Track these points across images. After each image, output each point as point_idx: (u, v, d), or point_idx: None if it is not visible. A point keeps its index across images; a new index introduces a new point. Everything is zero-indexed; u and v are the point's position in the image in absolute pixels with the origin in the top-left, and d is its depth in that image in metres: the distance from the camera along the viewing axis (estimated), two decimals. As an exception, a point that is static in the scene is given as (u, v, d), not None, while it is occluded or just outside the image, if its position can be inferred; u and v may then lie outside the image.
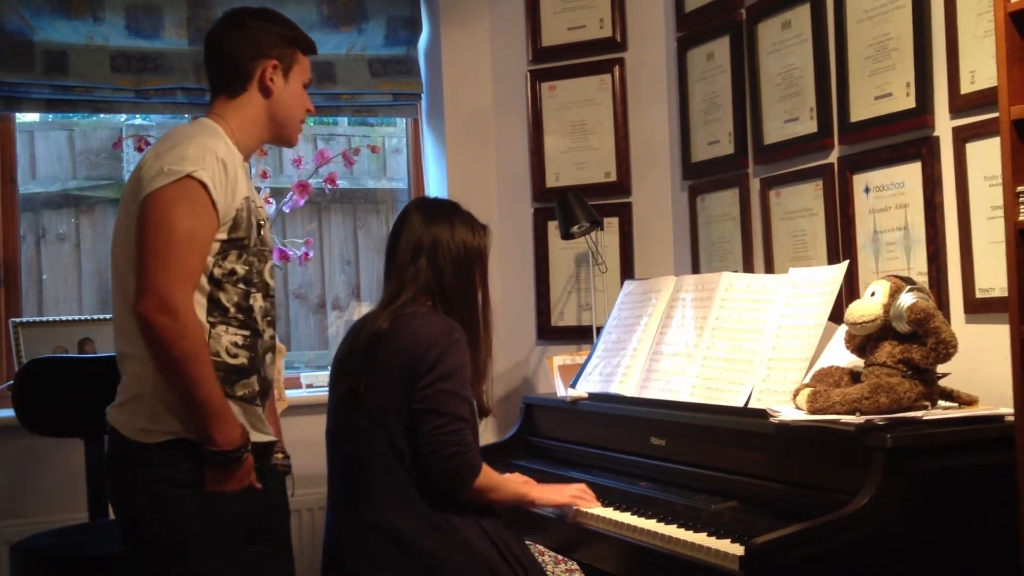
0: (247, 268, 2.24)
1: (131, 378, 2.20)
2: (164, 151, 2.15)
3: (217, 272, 2.18)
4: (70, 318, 3.71)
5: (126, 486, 2.20)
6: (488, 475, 2.36)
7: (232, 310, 2.21)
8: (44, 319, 3.72)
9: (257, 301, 2.27)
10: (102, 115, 3.97)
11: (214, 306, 2.19)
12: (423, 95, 4.19)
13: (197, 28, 3.82)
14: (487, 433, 3.65)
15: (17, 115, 3.80)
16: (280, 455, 2.50)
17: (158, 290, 2.06)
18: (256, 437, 2.25)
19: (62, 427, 3.22)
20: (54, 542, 2.98)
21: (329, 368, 4.01)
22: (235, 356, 2.21)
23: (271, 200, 3.84)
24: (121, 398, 2.22)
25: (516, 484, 2.51)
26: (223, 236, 2.18)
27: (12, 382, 3.21)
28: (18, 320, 3.63)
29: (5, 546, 3.29)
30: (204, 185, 2.12)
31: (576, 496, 2.61)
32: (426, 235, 2.43)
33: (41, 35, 3.67)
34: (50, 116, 3.94)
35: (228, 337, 2.21)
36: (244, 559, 2.24)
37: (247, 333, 2.24)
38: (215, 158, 2.15)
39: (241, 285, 2.23)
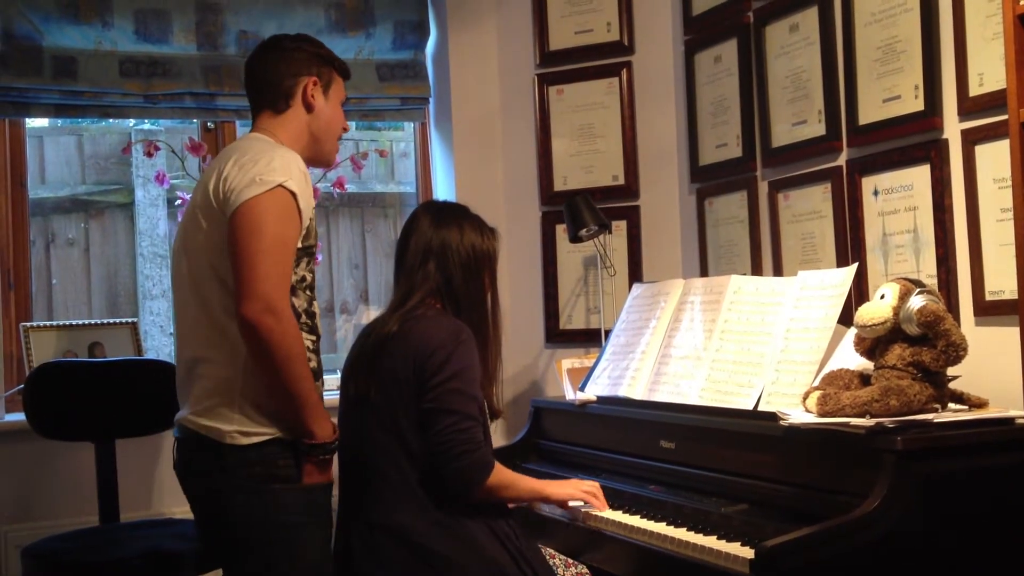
0: (311, 274, 2.33)
1: (214, 383, 2.25)
2: (248, 163, 2.22)
3: (293, 279, 2.25)
4: (80, 322, 3.72)
5: (219, 489, 2.25)
6: (501, 473, 2.36)
7: (303, 316, 2.29)
8: (54, 323, 3.73)
9: (315, 307, 2.35)
10: (111, 120, 3.99)
11: (292, 312, 2.24)
12: (431, 99, 4.20)
13: (205, 33, 3.84)
14: (496, 436, 3.65)
15: (27, 120, 3.82)
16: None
17: (262, 293, 2.12)
18: None
19: (72, 431, 3.23)
20: (65, 546, 2.99)
21: (338, 372, 4.05)
22: (310, 360, 2.28)
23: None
24: (205, 404, 2.26)
25: (530, 481, 2.52)
26: (299, 244, 2.25)
27: (23, 386, 3.22)
28: (28, 324, 3.64)
29: (16, 550, 3.30)
30: (294, 194, 2.20)
31: (588, 492, 2.60)
32: (435, 238, 2.44)
33: (50, 40, 3.69)
34: (59, 121, 3.95)
35: (307, 340, 2.28)
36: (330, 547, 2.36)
37: (314, 338, 2.33)
38: (299, 169, 2.24)
39: (308, 291, 2.32)
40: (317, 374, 2.31)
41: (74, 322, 3.74)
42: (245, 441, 2.22)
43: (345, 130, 2.51)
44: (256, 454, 2.22)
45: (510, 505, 2.48)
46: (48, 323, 3.73)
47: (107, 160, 4.07)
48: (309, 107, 2.42)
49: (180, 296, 2.36)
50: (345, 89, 2.53)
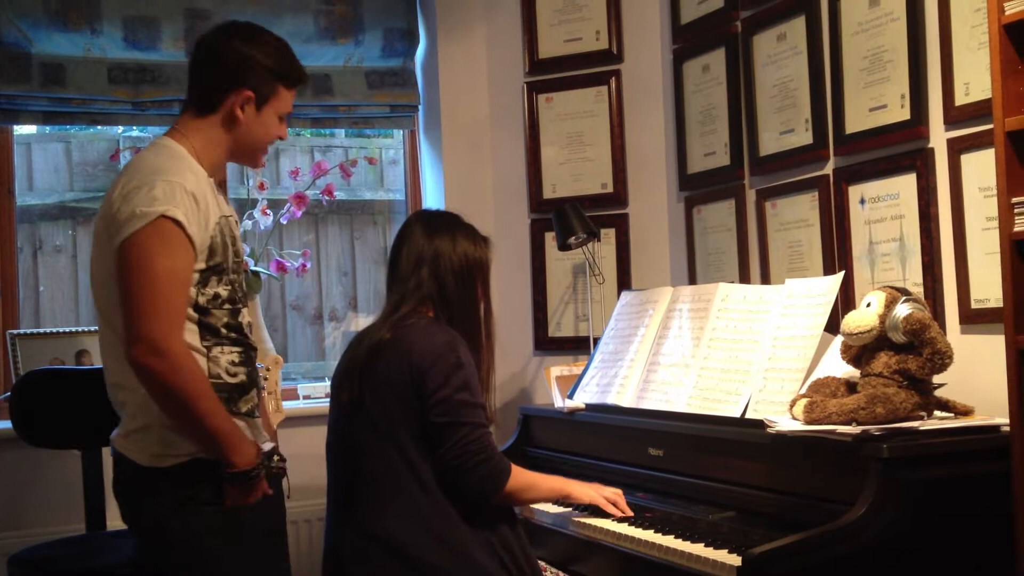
0: (230, 288, 2.25)
1: (133, 408, 2.21)
2: (132, 191, 2.13)
3: (201, 300, 2.19)
4: (67, 330, 3.71)
5: (143, 510, 2.22)
6: (519, 476, 2.36)
7: (224, 331, 2.23)
8: (41, 331, 3.72)
9: (244, 317, 2.30)
10: (99, 127, 3.98)
11: (206, 331, 2.20)
12: (420, 107, 4.20)
13: (194, 40, 3.82)
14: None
15: (15, 127, 3.81)
16: (276, 457, 2.51)
17: (148, 336, 2.06)
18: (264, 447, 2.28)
19: (59, 439, 3.22)
20: (52, 554, 2.98)
21: (326, 379, 4.05)
22: (235, 375, 2.23)
23: (268, 212, 3.85)
24: (128, 427, 2.23)
25: (552, 480, 2.51)
26: (201, 266, 2.19)
27: (9, 394, 3.21)
28: (15, 332, 3.63)
29: (3, 558, 3.28)
30: (178, 223, 2.11)
31: (611, 499, 2.56)
32: (428, 247, 2.44)
33: (39, 47, 3.68)
34: (47, 128, 3.94)
35: (226, 357, 2.22)
36: (268, 566, 2.28)
37: (240, 349, 2.26)
38: (184, 192, 2.13)
39: (227, 305, 2.24)
40: (247, 387, 2.25)
41: (61, 330, 3.73)
42: (163, 464, 2.16)
43: (281, 138, 2.39)
44: (176, 475, 2.16)
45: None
46: (35, 331, 3.71)
47: (95, 167, 4.07)
48: (233, 121, 2.28)
49: (98, 319, 2.30)
50: (296, 95, 2.39)
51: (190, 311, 2.17)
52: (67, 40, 3.70)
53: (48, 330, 3.73)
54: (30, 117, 3.74)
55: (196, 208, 2.15)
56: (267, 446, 2.29)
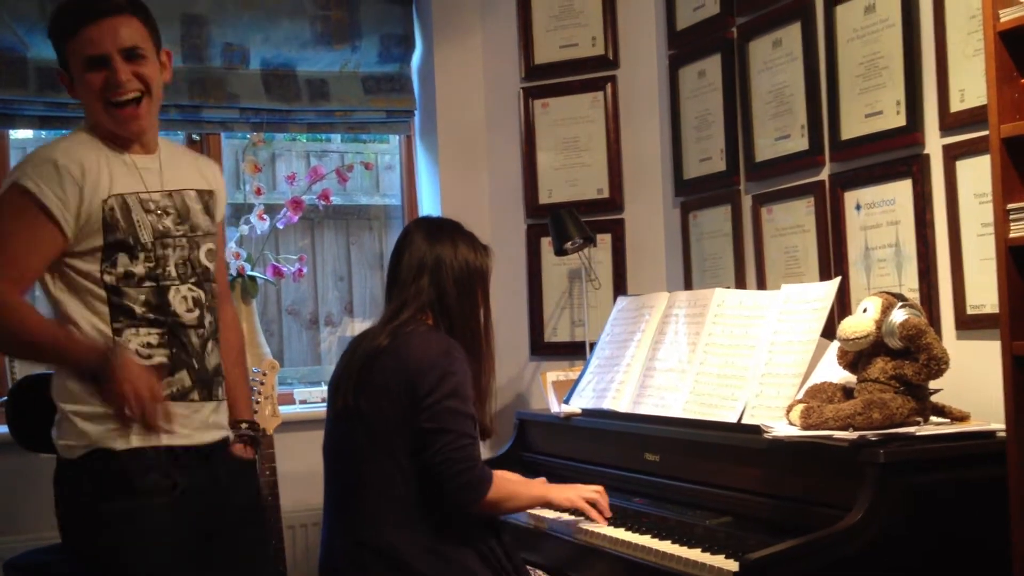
0: (151, 265, 2.20)
1: (54, 392, 2.20)
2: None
3: (109, 278, 2.16)
4: (63, 334, 3.70)
5: (57, 506, 2.21)
6: (499, 486, 2.35)
7: (141, 310, 2.18)
8: (37, 335, 3.70)
9: (180, 293, 2.23)
10: (96, 132, 3.97)
11: (118, 312, 2.16)
12: (416, 112, 4.21)
13: (191, 46, 3.84)
14: (481, 449, 3.65)
15: (10, 132, 3.80)
16: (244, 425, 2.46)
17: None
18: (197, 438, 2.22)
19: (54, 443, 3.20)
20: (48, 559, 2.97)
21: (322, 384, 4.05)
22: (149, 356, 2.17)
23: (265, 217, 3.85)
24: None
25: (532, 489, 2.51)
26: (98, 242, 2.15)
27: (5, 399, 3.20)
28: (11, 337, 3.62)
29: (-2, 563, 3.28)
30: (27, 191, 2.11)
31: (591, 499, 2.56)
32: (429, 254, 2.44)
33: (35, 52, 3.68)
34: (43, 132, 3.94)
35: (138, 339, 2.17)
36: (191, 564, 2.20)
37: (161, 331, 2.20)
38: (51, 165, 2.12)
39: (148, 283, 2.19)
40: (170, 369, 2.18)
41: (57, 334, 3.72)
42: (71, 455, 2.14)
43: (109, 84, 2.17)
44: (80, 469, 2.14)
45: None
46: (31, 335, 3.70)
47: (91, 172, 4.06)
48: (75, 95, 2.24)
49: None
50: (92, 33, 2.17)
51: (96, 289, 2.15)
52: (63, 45, 3.69)
53: (44, 335, 3.72)
54: (26, 122, 3.74)
55: (58, 179, 2.12)
56: (207, 438, 2.25)
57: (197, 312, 2.26)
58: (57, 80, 2.30)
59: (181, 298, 2.23)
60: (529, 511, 2.73)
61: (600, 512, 2.56)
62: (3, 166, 3.76)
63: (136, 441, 2.14)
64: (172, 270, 2.23)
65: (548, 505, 2.56)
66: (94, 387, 2.07)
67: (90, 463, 2.13)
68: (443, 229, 2.52)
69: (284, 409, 3.67)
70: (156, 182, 2.26)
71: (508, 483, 2.43)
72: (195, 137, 3.97)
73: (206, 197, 2.36)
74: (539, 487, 2.55)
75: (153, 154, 2.29)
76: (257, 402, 3.22)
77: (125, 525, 2.13)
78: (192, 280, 2.27)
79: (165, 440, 2.16)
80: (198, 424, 2.24)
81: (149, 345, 2.19)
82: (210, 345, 2.29)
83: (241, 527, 2.34)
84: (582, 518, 2.61)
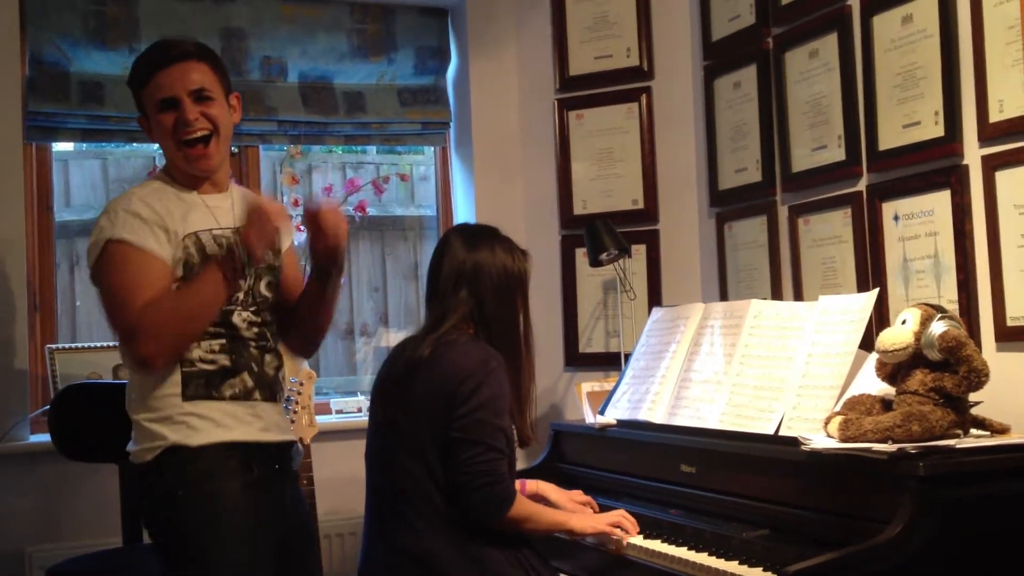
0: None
1: (128, 406, 2.35)
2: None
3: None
4: (104, 344, 3.75)
5: (145, 509, 2.34)
6: (522, 505, 2.36)
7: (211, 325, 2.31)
8: (79, 345, 3.77)
9: (241, 316, 2.36)
10: (136, 144, 4.03)
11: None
12: (451, 124, 4.23)
13: (230, 60, 3.87)
14: (517, 460, 3.66)
15: (53, 144, 3.86)
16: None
17: (122, 327, 2.23)
18: (265, 436, 2.35)
19: (96, 452, 3.24)
20: (89, 567, 3.01)
21: (358, 394, 4.08)
22: (212, 361, 2.30)
23: (302, 228, 3.87)
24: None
25: (555, 515, 2.51)
26: (179, 274, 2.29)
27: (48, 407, 3.25)
28: (53, 346, 3.68)
29: (40, 571, 3.33)
30: (124, 241, 2.25)
31: (615, 523, 2.57)
32: (468, 261, 2.45)
33: (77, 66, 3.74)
34: (84, 145, 4.00)
35: (203, 346, 2.30)
36: (265, 549, 2.30)
37: (223, 341, 2.32)
38: (131, 215, 2.27)
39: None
40: (232, 371, 2.31)
41: (98, 344, 3.77)
42: (147, 458, 2.27)
43: (184, 123, 2.34)
44: (157, 468, 2.26)
45: None
46: (73, 345, 3.76)
47: (131, 183, 4.11)
48: (148, 136, 2.43)
49: None
50: (163, 79, 2.34)
51: None
52: (105, 59, 3.76)
53: (85, 344, 3.78)
54: (69, 135, 3.80)
55: (144, 225, 2.27)
56: (273, 438, 2.37)
57: (256, 330, 2.39)
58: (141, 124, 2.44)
59: (242, 319, 2.36)
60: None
61: (626, 531, 2.56)
62: (46, 178, 3.82)
63: (208, 438, 2.26)
64: (238, 295, 2.35)
65: (570, 532, 2.54)
66: (238, 270, 2.28)
67: (166, 459, 2.25)
68: (481, 235, 2.53)
69: (321, 419, 3.71)
70: (228, 219, 2.39)
71: (530, 504, 2.43)
72: (234, 150, 4.01)
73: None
74: (562, 513, 2.55)
75: (224, 192, 2.44)
76: (295, 412, 3.25)
77: (206, 507, 2.24)
78: (252, 308, 2.39)
79: (237, 436, 2.29)
80: (264, 424, 2.36)
81: (212, 351, 2.30)
82: (268, 357, 2.41)
83: (305, 543, 2.46)
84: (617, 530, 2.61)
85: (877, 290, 2.62)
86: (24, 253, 3.60)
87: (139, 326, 2.19)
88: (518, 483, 2.63)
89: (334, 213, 2.39)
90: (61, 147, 3.97)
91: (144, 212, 2.28)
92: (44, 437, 3.34)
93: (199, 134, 2.34)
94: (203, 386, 2.27)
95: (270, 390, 2.39)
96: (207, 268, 2.27)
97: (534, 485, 2.78)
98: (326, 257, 2.42)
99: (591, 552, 2.68)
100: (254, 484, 2.29)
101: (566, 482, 3.23)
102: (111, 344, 3.80)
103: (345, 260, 2.42)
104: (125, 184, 4.10)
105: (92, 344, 3.78)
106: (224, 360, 2.31)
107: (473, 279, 2.44)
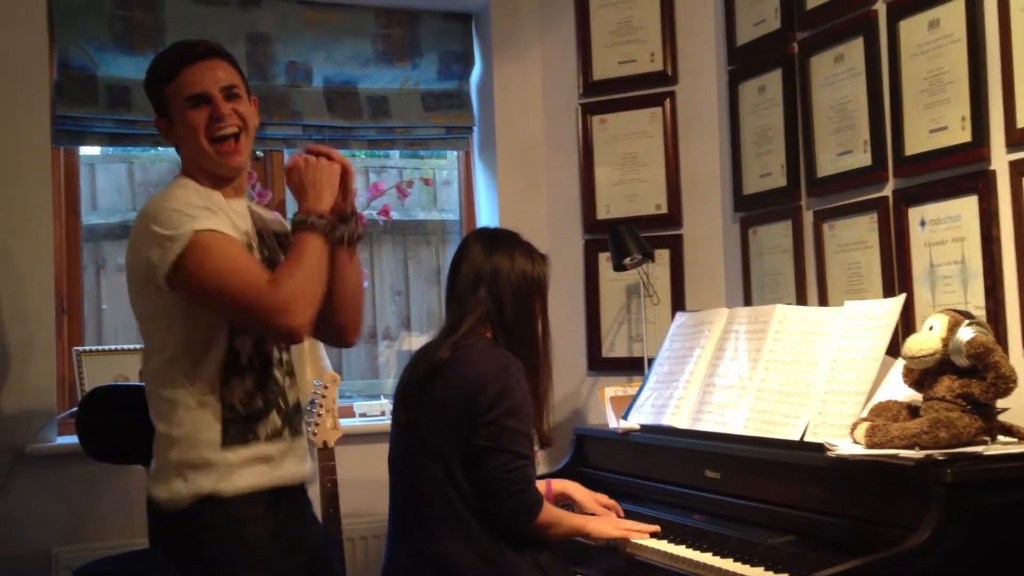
0: None
1: (156, 446, 2.29)
2: (142, 235, 2.23)
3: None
4: (131, 347, 3.78)
5: (171, 550, 2.27)
6: (548, 511, 2.37)
7: (246, 357, 2.25)
8: (106, 348, 3.79)
9: (270, 344, 2.31)
10: (162, 148, 4.06)
11: (232, 355, 2.23)
12: (475, 128, 4.24)
13: (256, 64, 3.91)
14: (539, 464, 3.66)
15: (80, 148, 3.89)
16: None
17: (264, 306, 2.12)
18: (296, 474, 2.32)
19: (123, 454, 3.25)
20: (115, 568, 3.03)
21: (381, 398, 4.09)
22: (249, 404, 2.25)
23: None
24: (153, 466, 2.30)
25: (573, 519, 2.53)
26: None
27: (76, 409, 3.27)
28: (81, 349, 3.71)
29: (67, 571, 3.35)
30: (213, 230, 2.17)
31: (629, 529, 2.60)
32: (487, 264, 2.46)
33: (104, 70, 3.77)
34: (111, 149, 4.03)
35: (242, 388, 2.24)
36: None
37: (255, 378, 2.27)
38: (192, 206, 2.19)
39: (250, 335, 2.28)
40: (264, 412, 2.26)
41: (125, 347, 3.80)
42: (182, 505, 2.21)
43: (218, 118, 2.28)
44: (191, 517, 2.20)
45: None
46: (101, 347, 3.79)
47: (157, 187, 4.12)
48: (174, 143, 2.36)
49: (143, 352, 2.41)
50: (192, 75, 2.28)
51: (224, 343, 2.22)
52: (132, 63, 3.78)
53: (112, 347, 3.80)
54: (96, 139, 3.82)
55: (214, 213, 2.21)
56: (295, 477, 2.33)
57: (284, 356, 2.36)
58: (158, 126, 2.38)
59: (271, 349, 2.32)
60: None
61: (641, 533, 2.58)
62: (73, 181, 3.85)
63: (244, 485, 2.21)
64: None
65: (587, 536, 2.56)
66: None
67: (199, 506, 2.19)
68: (500, 239, 2.54)
69: (344, 422, 3.72)
70: (246, 223, 2.35)
71: (554, 510, 2.45)
72: (259, 154, 4.03)
73: (283, 239, 2.44)
74: (580, 518, 2.57)
75: (242, 199, 2.39)
76: (319, 415, 3.27)
77: (239, 550, 2.20)
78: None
79: (269, 481, 2.25)
80: (294, 460, 2.33)
81: (248, 393, 2.25)
82: (289, 381, 2.36)
83: (324, 556, 2.44)
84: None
85: (904, 295, 2.61)
86: (52, 256, 3.63)
87: (287, 299, 2.10)
88: (543, 483, 2.65)
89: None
90: (88, 151, 4.00)
91: (207, 203, 2.23)
92: (71, 439, 3.36)
93: (231, 130, 2.29)
94: (241, 431, 2.22)
95: (292, 424, 2.35)
96: (299, 235, 2.21)
97: (559, 485, 2.79)
98: (295, 192, 2.32)
99: (611, 557, 2.67)
100: (283, 523, 2.26)
101: (589, 487, 3.22)
102: (137, 347, 3.83)
103: (313, 200, 2.25)
104: (151, 188, 4.13)
105: (119, 347, 3.81)
106: (259, 402, 2.26)
107: (492, 282, 2.45)
